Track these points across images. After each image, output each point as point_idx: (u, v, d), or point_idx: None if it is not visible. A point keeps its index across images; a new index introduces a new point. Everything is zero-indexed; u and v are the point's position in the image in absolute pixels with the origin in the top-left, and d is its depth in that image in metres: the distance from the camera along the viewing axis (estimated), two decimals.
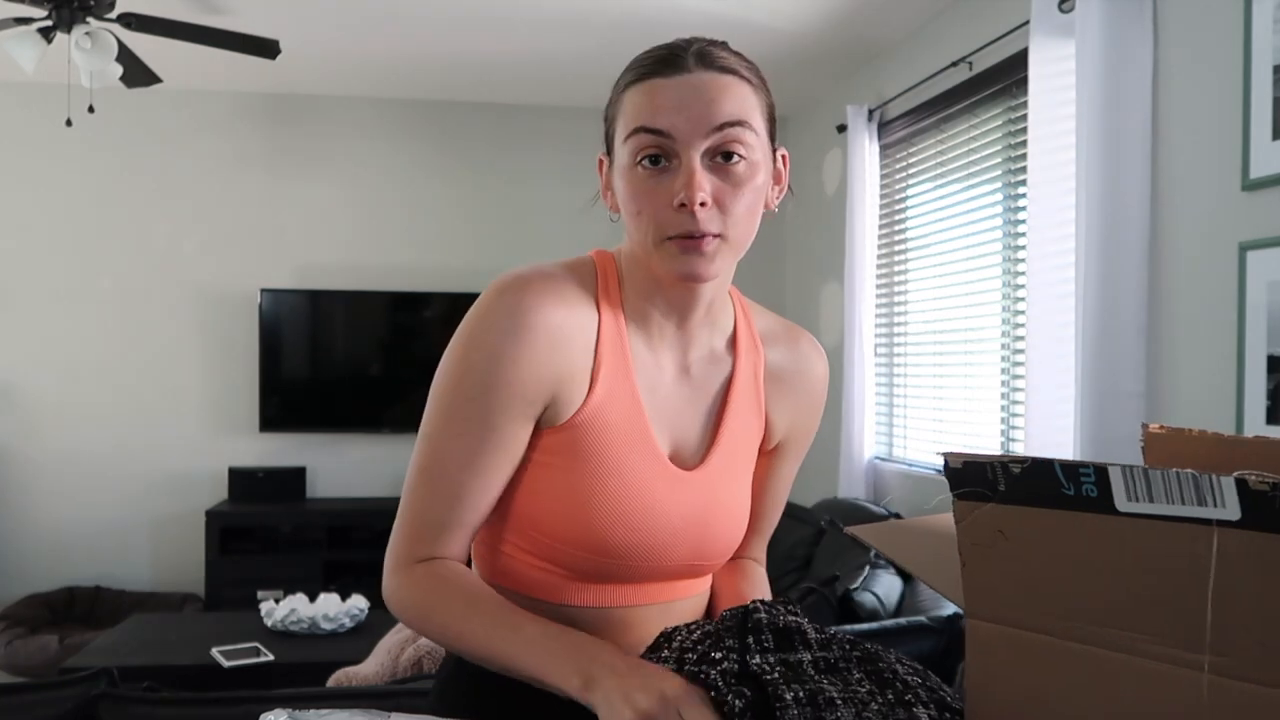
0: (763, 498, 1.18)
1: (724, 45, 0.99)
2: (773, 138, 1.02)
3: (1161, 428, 0.87)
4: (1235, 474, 0.56)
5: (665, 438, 1.06)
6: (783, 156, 1.04)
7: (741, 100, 0.96)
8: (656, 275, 1.01)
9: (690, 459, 1.08)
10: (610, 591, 1.06)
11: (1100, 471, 0.62)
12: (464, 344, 0.99)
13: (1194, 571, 0.59)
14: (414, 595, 1.00)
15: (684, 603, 1.11)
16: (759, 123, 0.98)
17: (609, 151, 1.03)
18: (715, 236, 0.96)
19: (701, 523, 1.06)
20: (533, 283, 1.00)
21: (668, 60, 0.97)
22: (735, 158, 0.95)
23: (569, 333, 1.00)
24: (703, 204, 0.94)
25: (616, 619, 1.06)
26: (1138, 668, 0.63)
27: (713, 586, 1.18)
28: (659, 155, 0.96)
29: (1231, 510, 0.56)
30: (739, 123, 0.95)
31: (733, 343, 1.11)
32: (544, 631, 0.93)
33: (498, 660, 0.94)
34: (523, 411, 0.99)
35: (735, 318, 1.12)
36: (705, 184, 0.94)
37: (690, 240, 0.95)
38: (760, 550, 1.24)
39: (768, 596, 1.10)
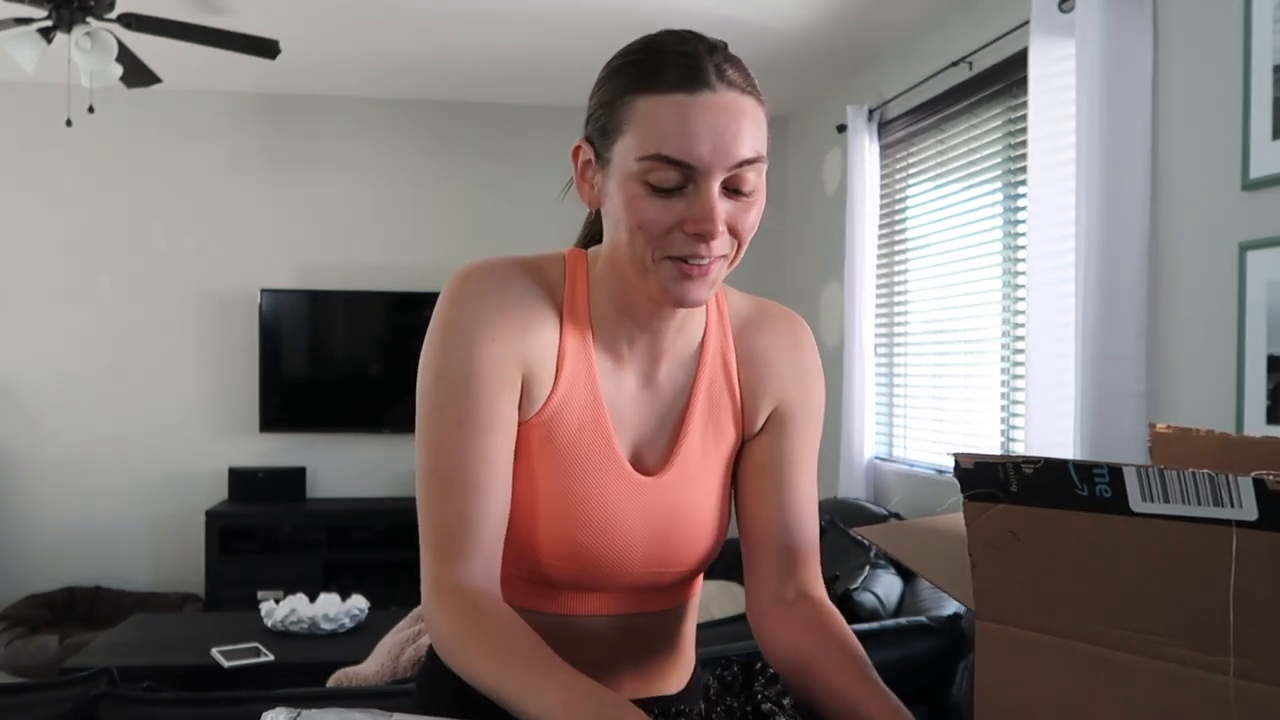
0: (781, 494, 1.08)
1: (727, 50, 0.95)
2: None
3: (1169, 427, 0.87)
4: (1253, 474, 0.56)
5: (627, 442, 1.05)
6: None
7: (760, 130, 0.93)
8: (640, 289, 0.97)
9: (653, 464, 1.06)
10: (570, 599, 1.05)
11: (1115, 472, 0.62)
12: (439, 333, 0.99)
13: (1213, 573, 0.59)
14: (447, 628, 0.94)
15: (648, 616, 1.09)
16: (766, 148, 0.95)
17: (595, 144, 0.97)
18: (720, 258, 0.94)
19: (663, 530, 1.04)
20: (497, 267, 1.01)
21: (688, 72, 0.91)
22: (748, 186, 0.93)
23: (536, 317, 1.00)
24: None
25: (576, 628, 1.04)
26: (1156, 670, 0.63)
27: (788, 646, 1.03)
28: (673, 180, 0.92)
29: (1249, 511, 0.56)
30: (758, 158, 0.92)
31: (702, 342, 1.08)
32: (568, 694, 0.84)
33: (518, 711, 0.87)
34: (507, 389, 0.98)
35: (707, 312, 1.08)
36: (723, 215, 0.92)
37: (696, 266, 0.93)
38: (816, 579, 1.09)
39: (859, 652, 0.99)
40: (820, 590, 1.08)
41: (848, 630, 1.03)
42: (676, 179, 0.91)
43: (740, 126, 0.91)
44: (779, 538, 1.08)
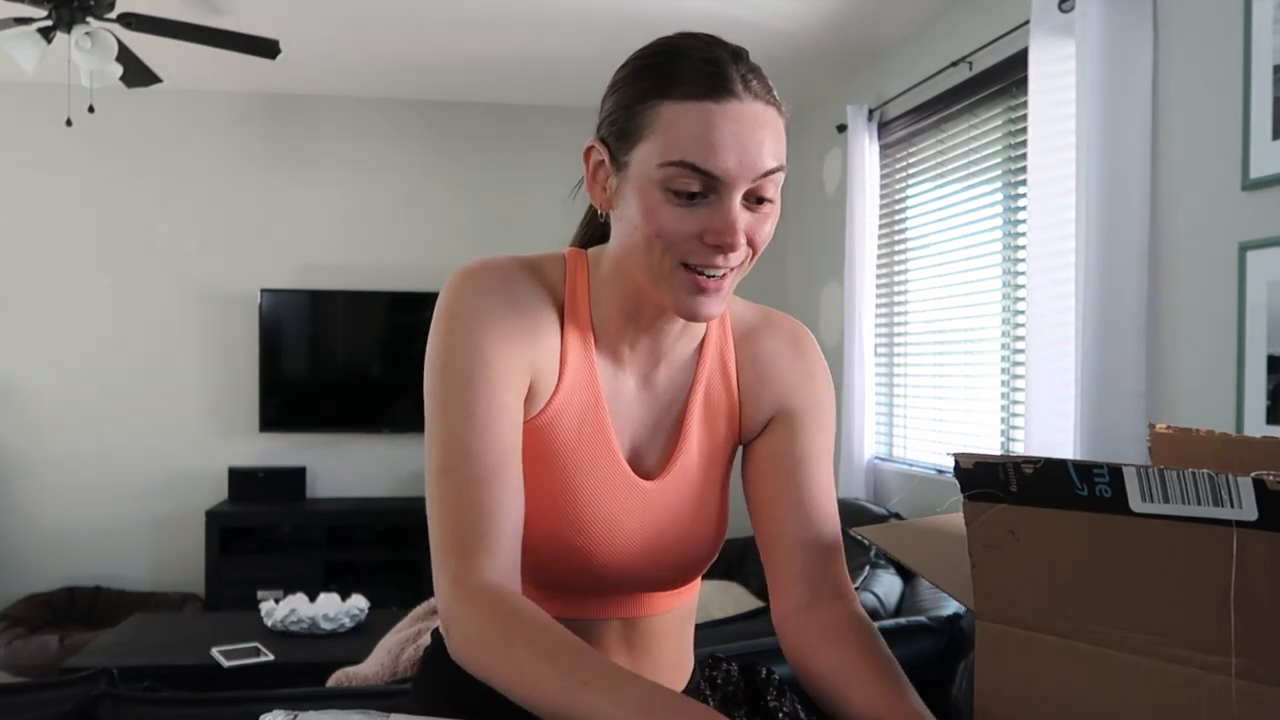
0: (797, 492, 1.05)
1: (749, 58, 0.94)
2: None
3: (1169, 428, 0.87)
4: (1253, 474, 0.55)
5: (626, 445, 1.04)
6: None
7: (781, 141, 0.92)
8: (651, 296, 0.97)
9: (651, 467, 1.05)
10: (569, 602, 1.04)
11: (1115, 472, 0.61)
12: (443, 329, 0.98)
13: (1213, 573, 0.59)
14: (477, 629, 0.88)
15: (647, 620, 1.08)
16: (785, 158, 0.94)
17: (610, 147, 0.95)
18: (735, 269, 0.94)
19: (662, 533, 1.04)
20: (500, 266, 1.00)
21: (714, 80, 0.89)
22: (767, 197, 0.93)
23: (540, 318, 0.99)
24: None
25: (576, 631, 1.04)
26: (1156, 670, 0.63)
27: (831, 668, 0.97)
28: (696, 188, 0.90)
29: (1249, 511, 0.56)
30: (780, 167, 0.92)
31: (701, 344, 1.07)
32: (649, 699, 0.80)
33: (578, 715, 0.81)
34: (515, 383, 0.97)
35: None
36: (743, 226, 0.91)
37: (711, 280, 0.92)
38: (842, 577, 1.04)
39: (890, 662, 0.95)
40: (847, 588, 1.04)
41: (877, 636, 0.98)
42: (698, 188, 0.90)
43: (764, 138, 0.90)
44: (798, 538, 1.04)
